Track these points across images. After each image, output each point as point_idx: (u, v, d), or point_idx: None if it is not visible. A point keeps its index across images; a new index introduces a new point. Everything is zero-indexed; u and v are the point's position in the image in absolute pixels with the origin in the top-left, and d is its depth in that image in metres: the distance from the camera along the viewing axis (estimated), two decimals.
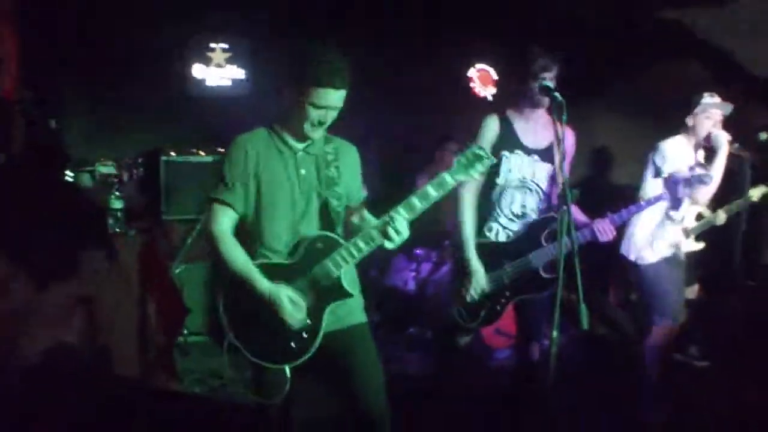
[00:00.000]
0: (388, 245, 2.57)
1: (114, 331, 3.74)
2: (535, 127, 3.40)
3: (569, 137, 3.42)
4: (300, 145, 2.65)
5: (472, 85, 6.38)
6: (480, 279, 3.29)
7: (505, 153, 3.35)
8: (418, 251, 4.97)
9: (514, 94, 3.46)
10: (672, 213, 4.02)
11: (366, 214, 2.75)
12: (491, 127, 3.36)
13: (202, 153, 4.96)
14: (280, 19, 5.25)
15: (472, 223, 3.33)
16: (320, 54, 2.54)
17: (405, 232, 2.58)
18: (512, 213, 3.40)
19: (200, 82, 5.38)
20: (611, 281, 5.49)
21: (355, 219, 2.76)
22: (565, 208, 2.75)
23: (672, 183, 3.94)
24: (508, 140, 3.36)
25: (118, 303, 3.79)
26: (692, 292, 4.86)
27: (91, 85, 5.20)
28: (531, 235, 3.35)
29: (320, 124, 2.57)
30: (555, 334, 2.72)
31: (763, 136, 4.71)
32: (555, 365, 2.76)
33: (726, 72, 5.37)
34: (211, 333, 4.53)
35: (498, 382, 4.33)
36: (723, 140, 3.82)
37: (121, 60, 5.04)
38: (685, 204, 4.03)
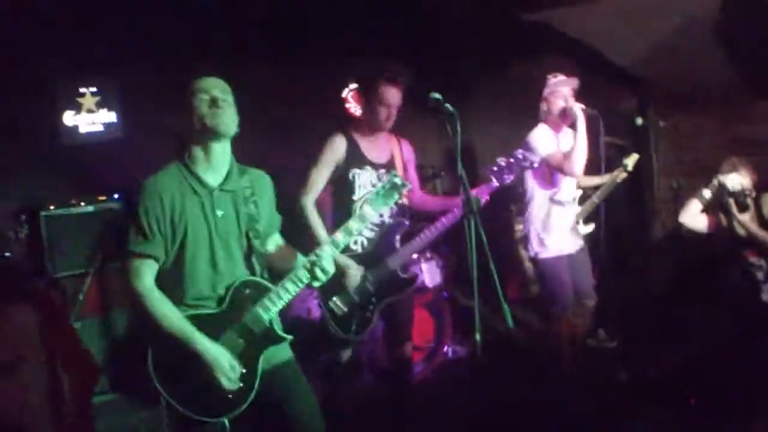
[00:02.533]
0: (315, 284, 2.60)
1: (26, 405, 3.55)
2: (377, 142, 3.71)
3: (407, 148, 3.87)
4: (215, 183, 2.56)
5: (347, 105, 6.41)
6: (354, 270, 3.48)
7: (356, 170, 3.62)
8: None
9: (363, 117, 3.75)
10: (556, 196, 4.18)
11: (289, 251, 2.79)
12: (338, 147, 3.62)
13: (83, 203, 4.77)
14: (147, 54, 5.11)
15: (322, 226, 3.53)
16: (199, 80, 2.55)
17: (331, 270, 2.61)
18: (372, 224, 3.63)
19: (72, 130, 5.16)
20: (508, 278, 5.68)
21: (278, 257, 2.77)
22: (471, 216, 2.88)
23: (541, 167, 4.10)
24: (356, 158, 3.64)
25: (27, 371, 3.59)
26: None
27: None
28: (386, 240, 3.63)
29: (214, 106, 2.53)
30: (477, 337, 2.81)
31: (638, 121, 5.07)
32: (477, 366, 2.86)
33: (587, 65, 5.64)
34: (127, 387, 4.41)
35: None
36: (577, 110, 4.05)
37: None
38: (566, 184, 4.21)
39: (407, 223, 3.68)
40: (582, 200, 4.69)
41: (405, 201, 3.80)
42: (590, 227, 4.81)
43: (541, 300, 4.34)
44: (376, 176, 3.64)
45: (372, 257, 3.60)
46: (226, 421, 2.57)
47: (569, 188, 4.24)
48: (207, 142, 2.55)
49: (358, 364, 4.91)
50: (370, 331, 3.83)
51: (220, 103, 2.52)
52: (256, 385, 2.59)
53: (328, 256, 2.60)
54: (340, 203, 3.63)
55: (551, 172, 4.17)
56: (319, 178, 3.62)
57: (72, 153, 5.10)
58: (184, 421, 2.59)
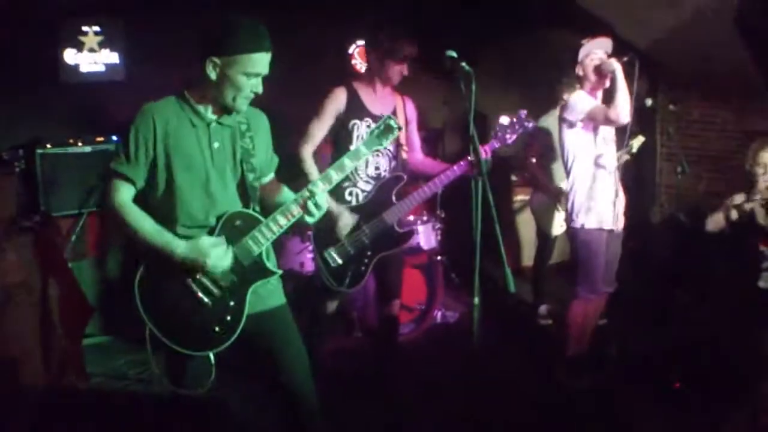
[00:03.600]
0: (309, 220, 2.58)
1: (18, 337, 3.54)
2: (380, 96, 3.71)
3: (410, 106, 3.86)
4: (213, 116, 2.53)
5: (353, 62, 6.38)
6: (346, 217, 3.48)
7: (356, 121, 3.62)
8: (310, 232, 4.92)
9: (369, 69, 3.75)
10: (601, 160, 4.05)
11: (282, 187, 2.75)
12: (339, 99, 3.63)
13: (80, 143, 4.70)
14: None
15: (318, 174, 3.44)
16: (242, 21, 2.43)
17: (324, 206, 2.59)
18: (368, 176, 3.68)
19: (73, 69, 5.08)
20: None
21: (271, 193, 2.73)
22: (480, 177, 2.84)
23: (588, 124, 4.01)
24: (357, 110, 3.64)
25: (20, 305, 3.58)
26: None
27: None
28: (383, 194, 3.63)
29: (254, 94, 2.49)
30: (476, 300, 2.80)
31: (648, 102, 5.00)
32: (478, 332, 2.84)
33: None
34: (118, 330, 4.40)
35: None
36: (612, 64, 3.90)
37: None
38: (609, 149, 4.09)
39: (404, 177, 3.67)
40: None
41: (405, 156, 3.80)
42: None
43: (573, 276, 4.15)
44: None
45: (368, 210, 3.59)
46: (212, 356, 2.54)
47: (611, 153, 4.10)
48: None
49: (349, 321, 4.93)
50: (363, 289, 3.82)
51: (260, 87, 2.50)
52: (244, 318, 2.56)
53: (320, 192, 2.58)
54: (338, 154, 3.59)
55: (595, 133, 4.02)
56: (319, 128, 3.63)
57: (72, 92, 5.03)
58: (170, 360, 2.58)
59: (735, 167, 6.20)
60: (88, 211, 4.64)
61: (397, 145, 3.74)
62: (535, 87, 4.54)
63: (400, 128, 2.72)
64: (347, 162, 2.65)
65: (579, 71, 4.10)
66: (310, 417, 2.70)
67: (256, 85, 2.48)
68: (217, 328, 2.53)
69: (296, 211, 2.57)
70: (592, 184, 4.02)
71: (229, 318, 2.54)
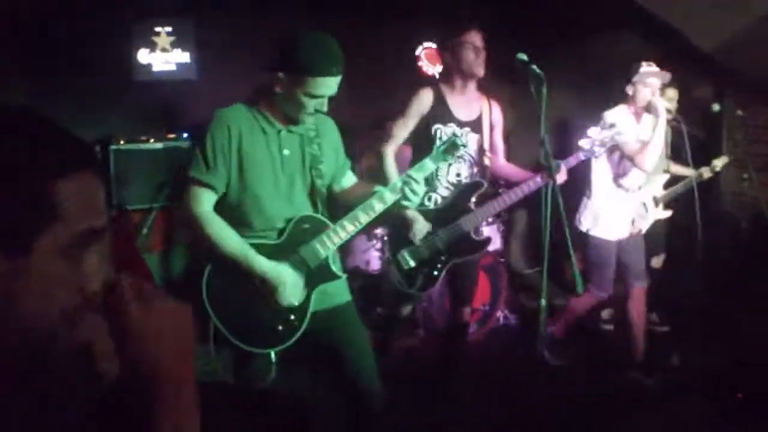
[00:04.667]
0: (407, 203, 2.63)
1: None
2: (466, 100, 3.61)
3: (496, 110, 3.74)
4: (282, 124, 2.58)
5: (420, 63, 6.39)
6: (420, 224, 3.44)
7: (439, 126, 3.54)
8: (378, 230, 5.00)
9: (447, 69, 3.66)
10: (621, 181, 4.12)
11: (364, 185, 2.79)
12: (424, 100, 3.54)
13: (152, 140, 4.86)
14: None
15: (398, 176, 3.42)
16: (313, 40, 2.43)
17: (421, 192, 2.65)
18: (449, 182, 3.60)
19: (146, 68, 5.24)
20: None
21: (354, 194, 2.77)
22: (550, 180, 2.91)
23: (612, 150, 4.04)
24: (442, 114, 3.56)
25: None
26: (658, 260, 5.06)
27: (30, 73, 5.00)
28: (460, 200, 3.56)
29: (317, 112, 2.51)
30: (543, 302, 2.83)
31: (715, 107, 4.95)
32: (544, 333, 2.87)
33: (666, 45, 5.49)
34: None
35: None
36: (661, 108, 3.96)
37: (62, 45, 4.87)
38: (634, 172, 4.13)
39: (484, 184, 3.60)
40: (668, 185, 4.70)
41: (487, 163, 3.72)
42: (667, 213, 4.76)
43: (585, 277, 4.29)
44: (461, 135, 3.53)
45: (445, 215, 3.54)
46: (273, 354, 2.60)
47: (637, 176, 4.15)
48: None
49: (413, 320, 4.97)
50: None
51: (325, 106, 2.53)
52: (308, 318, 2.60)
53: (420, 177, 2.64)
54: (418, 158, 3.57)
55: (620, 156, 4.09)
56: (402, 128, 3.56)
57: (145, 91, 5.19)
58: (233, 355, 2.65)
59: None
60: (159, 205, 4.79)
61: (480, 149, 3.66)
62: (608, 88, 4.47)
63: (464, 146, 2.75)
64: (413, 173, 2.69)
65: (629, 90, 4.09)
66: (373, 413, 2.74)
67: (320, 105, 2.50)
68: (280, 327, 2.58)
69: (363, 218, 2.61)
70: (605, 201, 4.10)
71: (292, 317, 2.59)
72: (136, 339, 0.94)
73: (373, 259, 5.09)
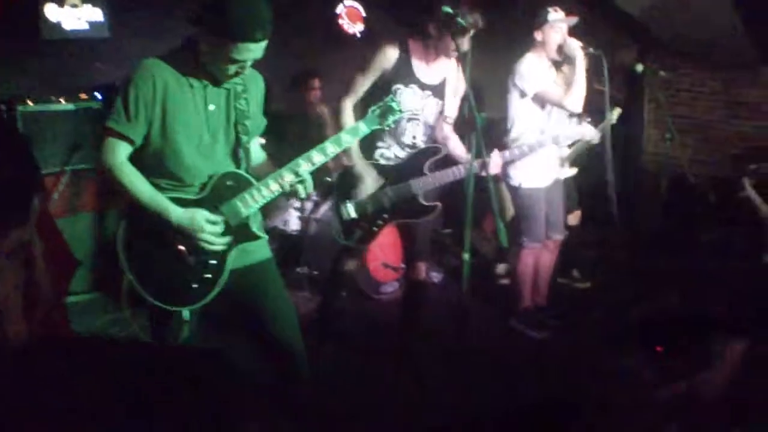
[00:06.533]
0: (300, 191, 2.58)
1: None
2: (433, 63, 3.45)
3: (462, 77, 3.45)
4: (208, 79, 2.49)
5: (340, 21, 6.27)
6: (371, 180, 3.37)
7: (400, 86, 3.39)
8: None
9: (415, 23, 3.48)
10: (546, 128, 4.11)
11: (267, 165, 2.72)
12: (388, 57, 3.37)
13: (63, 101, 4.63)
14: None
15: None
16: (240, 4, 2.30)
17: (310, 188, 2.60)
18: (404, 143, 3.50)
19: (56, 26, 4.97)
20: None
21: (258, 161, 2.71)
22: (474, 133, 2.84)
23: (539, 101, 4.06)
24: (404, 74, 3.40)
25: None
26: (574, 218, 5.13)
27: None
28: (415, 162, 3.46)
29: (237, 74, 2.43)
30: (467, 256, 2.80)
31: (638, 67, 4.99)
32: (468, 288, 2.84)
33: (592, 8, 5.52)
34: (100, 286, 4.37)
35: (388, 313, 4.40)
36: (576, 47, 3.96)
37: None
38: (556, 118, 4.14)
39: (442, 150, 3.48)
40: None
41: (446, 130, 3.61)
42: (573, 170, 4.81)
43: (515, 231, 4.32)
44: (420, 97, 3.42)
45: (398, 174, 3.46)
46: (187, 313, 2.53)
47: (559, 121, 4.16)
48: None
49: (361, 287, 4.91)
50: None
51: (246, 70, 2.45)
52: (224, 277, 2.54)
53: (306, 172, 2.57)
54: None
55: (544, 108, 4.10)
56: (362, 82, 3.41)
57: (55, 50, 4.92)
58: (146, 315, 2.59)
59: (721, 136, 6.26)
60: (72, 168, 4.58)
61: (439, 115, 3.55)
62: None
63: (401, 111, 2.67)
64: (344, 137, 2.63)
65: (538, 36, 4.07)
66: (298, 368, 2.71)
67: (241, 67, 2.42)
68: (195, 285, 2.52)
69: (288, 177, 2.55)
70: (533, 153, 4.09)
71: (209, 275, 2.53)
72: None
73: (292, 218, 5.00)
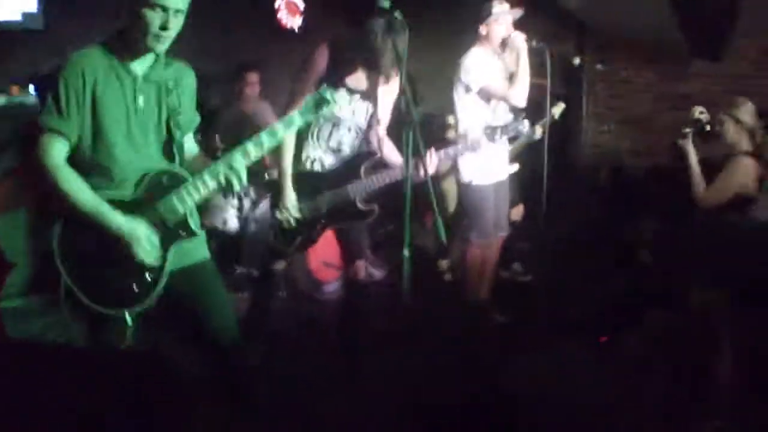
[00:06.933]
0: (235, 183, 2.49)
1: None
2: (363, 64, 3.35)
3: (395, 79, 3.38)
4: (140, 70, 2.43)
5: (279, 15, 6.21)
6: (290, 197, 3.32)
7: (329, 90, 3.29)
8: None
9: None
10: (493, 123, 4.10)
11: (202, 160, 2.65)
12: (319, 62, 3.29)
13: None
14: None
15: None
16: None
17: (244, 180, 2.50)
18: (328, 147, 3.44)
19: None
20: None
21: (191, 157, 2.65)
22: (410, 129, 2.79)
23: (484, 95, 4.06)
24: (332, 77, 3.23)
25: None
26: (517, 212, 5.19)
27: None
28: (350, 167, 3.42)
29: (163, 29, 2.32)
30: (406, 252, 2.76)
31: (575, 61, 5.05)
32: (409, 284, 2.82)
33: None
34: (35, 288, 4.24)
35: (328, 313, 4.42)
36: (520, 40, 3.99)
37: None
38: (501, 111, 4.17)
39: (377, 154, 3.43)
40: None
41: (381, 134, 3.52)
42: (515, 167, 4.87)
43: (463, 226, 4.35)
44: (347, 101, 3.28)
45: (333, 180, 3.42)
46: (128, 317, 2.47)
47: (504, 116, 4.19)
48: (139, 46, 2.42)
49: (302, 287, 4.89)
50: None
51: (171, 24, 2.34)
52: (163, 280, 2.50)
53: (241, 165, 2.49)
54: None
55: (489, 103, 4.11)
56: (303, 91, 3.24)
57: None
58: (85, 319, 2.51)
59: (658, 128, 6.43)
60: (3, 166, 4.44)
61: (369, 119, 3.46)
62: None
63: (335, 101, 2.60)
64: (279, 126, 2.56)
65: (482, 30, 4.09)
66: (236, 371, 2.69)
67: (165, 20, 2.33)
68: (135, 287, 2.47)
69: (224, 172, 2.48)
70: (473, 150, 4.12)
71: (148, 277, 2.49)
72: None
73: (231, 218, 4.95)
